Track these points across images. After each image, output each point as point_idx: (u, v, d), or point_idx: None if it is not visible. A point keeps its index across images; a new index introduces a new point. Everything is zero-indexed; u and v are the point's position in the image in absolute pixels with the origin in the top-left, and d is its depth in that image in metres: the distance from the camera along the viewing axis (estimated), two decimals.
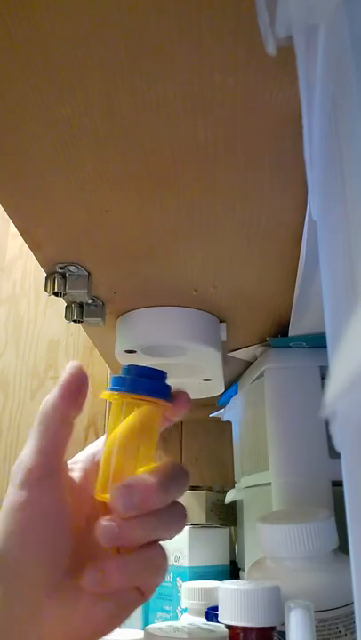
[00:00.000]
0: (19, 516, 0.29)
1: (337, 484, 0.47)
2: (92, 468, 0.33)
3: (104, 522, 0.28)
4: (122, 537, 0.28)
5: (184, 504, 0.30)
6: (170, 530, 0.29)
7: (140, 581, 0.29)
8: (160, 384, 0.32)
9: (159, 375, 0.32)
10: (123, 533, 0.28)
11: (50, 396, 0.31)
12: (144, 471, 0.30)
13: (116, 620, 0.29)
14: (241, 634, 0.30)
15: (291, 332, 0.50)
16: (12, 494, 0.29)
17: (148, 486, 0.28)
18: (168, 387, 0.32)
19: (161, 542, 0.30)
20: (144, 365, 0.32)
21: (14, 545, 0.28)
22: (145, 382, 0.31)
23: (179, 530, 0.30)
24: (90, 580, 0.27)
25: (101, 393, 0.32)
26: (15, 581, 0.28)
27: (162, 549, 0.30)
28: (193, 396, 0.36)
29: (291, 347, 0.52)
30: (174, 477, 0.29)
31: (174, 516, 0.29)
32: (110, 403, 0.32)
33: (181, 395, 0.33)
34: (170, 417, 0.33)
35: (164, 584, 0.59)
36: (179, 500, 0.30)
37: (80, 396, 0.31)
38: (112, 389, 0.32)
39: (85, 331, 0.55)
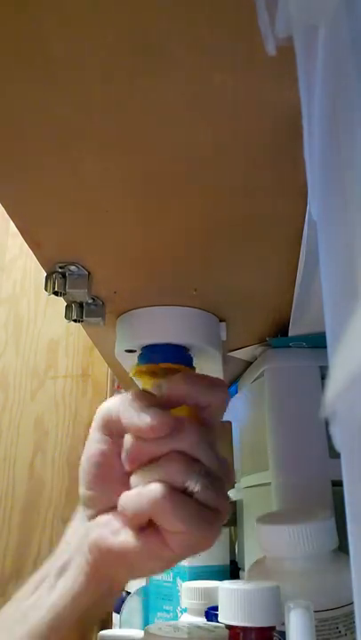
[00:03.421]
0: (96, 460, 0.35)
1: (337, 484, 0.47)
2: None
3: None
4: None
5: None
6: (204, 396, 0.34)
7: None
8: (182, 353, 0.36)
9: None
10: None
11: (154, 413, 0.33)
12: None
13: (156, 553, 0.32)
14: (241, 634, 0.30)
15: (291, 332, 0.50)
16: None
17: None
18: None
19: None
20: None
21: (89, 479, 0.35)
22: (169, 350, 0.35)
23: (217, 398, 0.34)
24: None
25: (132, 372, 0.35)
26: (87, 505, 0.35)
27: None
28: None
29: (291, 347, 0.52)
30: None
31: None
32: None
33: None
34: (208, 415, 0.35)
35: (163, 584, 0.59)
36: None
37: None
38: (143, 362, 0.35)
39: (85, 330, 0.55)
